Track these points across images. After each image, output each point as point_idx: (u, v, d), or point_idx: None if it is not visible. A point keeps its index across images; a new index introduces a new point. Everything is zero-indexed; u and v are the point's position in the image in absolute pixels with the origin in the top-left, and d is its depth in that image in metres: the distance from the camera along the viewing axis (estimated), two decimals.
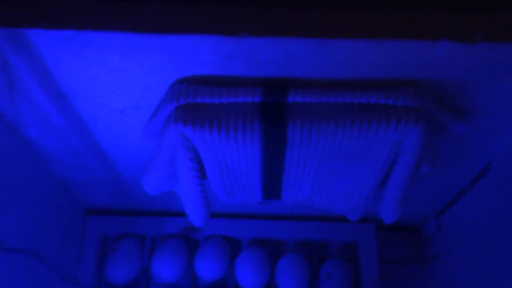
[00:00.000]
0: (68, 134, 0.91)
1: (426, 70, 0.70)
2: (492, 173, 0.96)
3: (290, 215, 1.32)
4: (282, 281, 1.27)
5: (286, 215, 1.32)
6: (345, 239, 1.31)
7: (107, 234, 1.33)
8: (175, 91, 0.74)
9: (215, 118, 0.73)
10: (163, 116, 0.78)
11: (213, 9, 0.66)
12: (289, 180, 0.88)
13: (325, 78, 0.72)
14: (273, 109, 0.74)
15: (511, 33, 0.63)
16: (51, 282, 1.10)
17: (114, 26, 0.64)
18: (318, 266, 1.30)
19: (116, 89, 0.77)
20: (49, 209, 1.09)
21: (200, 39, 0.65)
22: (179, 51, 0.67)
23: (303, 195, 0.94)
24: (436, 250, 1.26)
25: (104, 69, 0.71)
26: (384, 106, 0.73)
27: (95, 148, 0.97)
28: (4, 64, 0.72)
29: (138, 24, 0.64)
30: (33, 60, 0.70)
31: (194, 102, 0.73)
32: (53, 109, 0.83)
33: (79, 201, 1.27)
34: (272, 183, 0.90)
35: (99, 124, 0.88)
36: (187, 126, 0.73)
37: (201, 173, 0.84)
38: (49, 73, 0.73)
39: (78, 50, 0.67)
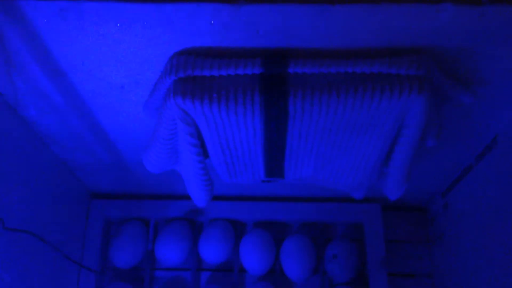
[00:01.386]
0: (68, 113, 0.91)
1: (430, 37, 0.68)
2: (498, 148, 0.94)
3: (294, 197, 1.31)
4: (287, 262, 1.27)
5: (290, 196, 1.31)
6: (350, 219, 1.30)
7: (111, 218, 1.33)
8: (173, 64, 0.72)
9: (214, 91, 0.72)
10: (163, 91, 0.76)
11: None
12: (292, 156, 0.87)
13: (326, 48, 0.71)
14: (273, 81, 0.72)
15: None
16: (55, 264, 1.09)
17: None
18: (323, 247, 1.30)
19: (115, 63, 0.76)
20: (52, 191, 1.09)
21: (197, 8, 0.63)
22: (176, 21, 0.66)
23: (306, 172, 0.93)
24: (443, 229, 1.24)
25: (101, 41, 0.70)
26: (387, 75, 0.71)
27: (95, 128, 0.97)
28: (0, 40, 0.71)
29: None
30: (28, 34, 0.69)
31: (193, 75, 0.72)
32: (51, 86, 0.82)
33: (83, 184, 1.26)
34: (274, 160, 0.88)
35: (99, 102, 0.87)
36: (186, 100, 0.71)
37: (202, 149, 0.83)
38: (45, 47, 0.72)
39: (73, 22, 0.66)
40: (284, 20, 0.66)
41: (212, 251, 1.28)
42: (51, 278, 1.08)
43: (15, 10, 0.65)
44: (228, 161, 0.88)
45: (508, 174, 0.92)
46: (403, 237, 1.33)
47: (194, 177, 0.88)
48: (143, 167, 0.92)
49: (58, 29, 0.68)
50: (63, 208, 1.16)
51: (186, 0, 0.63)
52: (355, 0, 0.63)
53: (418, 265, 1.31)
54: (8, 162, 0.89)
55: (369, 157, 0.84)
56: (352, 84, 0.71)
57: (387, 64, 0.70)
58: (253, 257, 1.27)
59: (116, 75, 0.79)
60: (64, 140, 1.02)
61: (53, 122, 0.94)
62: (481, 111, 0.87)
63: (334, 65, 0.71)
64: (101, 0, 0.63)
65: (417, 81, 0.70)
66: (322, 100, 0.72)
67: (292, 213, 1.31)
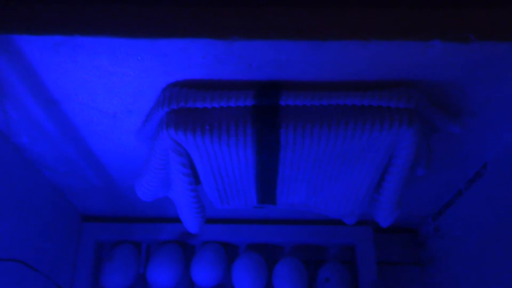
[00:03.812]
0: (61, 140, 0.91)
1: (419, 71, 0.69)
2: (488, 174, 0.95)
3: (286, 219, 1.31)
4: (280, 285, 1.26)
5: (282, 219, 1.31)
6: (342, 242, 1.31)
7: (102, 241, 1.32)
8: (166, 95, 0.73)
9: (207, 122, 0.72)
10: (155, 121, 0.77)
11: (203, 11, 0.65)
12: (284, 184, 0.88)
13: (318, 80, 0.72)
14: (265, 113, 0.73)
15: (504, 32, 0.63)
16: None
17: (103, 31, 0.63)
18: (315, 270, 1.30)
19: (108, 94, 0.76)
20: (43, 216, 1.08)
21: (190, 43, 0.64)
22: (170, 55, 0.66)
23: (298, 199, 0.94)
24: (434, 251, 1.25)
25: (95, 74, 0.71)
26: (377, 108, 0.72)
27: (88, 154, 0.97)
28: None
29: (127, 28, 0.64)
30: (22, 66, 0.69)
31: (186, 107, 0.72)
32: (44, 116, 0.82)
33: (74, 207, 1.26)
34: (266, 188, 0.89)
35: (91, 130, 0.87)
36: (179, 131, 0.72)
37: (194, 178, 0.83)
38: (39, 79, 0.72)
39: (68, 55, 0.66)
40: (277, 55, 0.66)
41: (205, 274, 1.27)
42: None
43: (10, 43, 0.65)
44: (220, 188, 0.89)
45: (498, 200, 0.94)
46: (395, 259, 1.34)
47: (186, 204, 0.88)
48: (134, 192, 0.92)
49: (52, 62, 0.68)
50: (53, 232, 1.15)
51: (180, 35, 0.64)
52: (346, 36, 0.64)
53: (410, 287, 1.32)
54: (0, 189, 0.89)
55: (360, 186, 0.84)
56: (343, 116, 0.72)
57: (378, 97, 0.71)
58: (245, 280, 1.26)
59: (109, 104, 0.79)
60: (56, 166, 1.01)
61: (45, 148, 0.94)
62: (470, 139, 0.89)
63: (325, 97, 0.72)
64: (94, 35, 0.64)
65: (407, 114, 0.71)
66: (314, 132, 0.73)
67: (284, 235, 1.31)
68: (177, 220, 1.07)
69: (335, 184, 0.86)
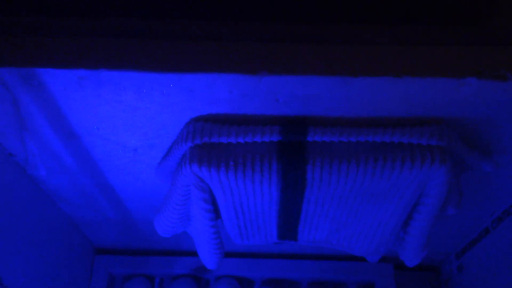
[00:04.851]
0: (78, 173, 0.89)
1: (452, 108, 0.67)
2: None
3: (304, 254, 1.28)
4: None
5: (300, 254, 1.28)
6: (361, 279, 1.27)
7: (115, 274, 1.29)
8: (190, 130, 0.71)
9: (231, 158, 0.70)
10: (177, 156, 0.75)
11: (231, 46, 0.64)
12: (306, 220, 0.85)
13: (346, 116, 0.70)
14: (291, 149, 0.71)
15: None
16: None
17: (129, 65, 0.62)
18: None
19: (130, 128, 0.74)
20: (57, 249, 1.06)
21: (217, 78, 0.63)
22: (196, 90, 0.65)
23: (320, 236, 0.91)
24: None
25: (118, 108, 0.69)
26: (408, 145, 0.70)
27: (105, 187, 0.95)
28: (15, 103, 0.70)
29: (153, 62, 0.63)
30: (44, 100, 0.68)
31: (210, 142, 0.70)
32: (64, 149, 0.80)
33: (87, 239, 1.23)
34: (288, 224, 0.86)
35: (110, 163, 0.86)
36: (202, 167, 0.70)
37: (215, 214, 0.80)
38: (60, 112, 0.71)
39: (92, 90, 0.65)
40: (305, 90, 0.65)
41: None
42: None
43: (33, 77, 0.64)
44: (241, 224, 0.86)
45: None
46: None
47: (205, 240, 0.85)
48: (150, 225, 0.90)
49: (76, 96, 0.67)
50: (66, 264, 1.12)
51: (207, 70, 0.62)
52: (377, 72, 0.62)
53: None
54: (15, 223, 0.87)
55: (387, 224, 0.81)
56: (372, 153, 0.70)
57: (408, 134, 0.69)
58: None
59: (130, 138, 0.77)
60: (72, 198, 1.00)
61: (62, 181, 0.92)
62: (500, 176, 0.86)
63: (354, 134, 0.70)
64: (120, 69, 0.62)
65: (439, 151, 0.69)
66: (341, 169, 0.70)
67: (301, 271, 1.28)
68: (191, 253, 1.04)
69: (360, 222, 0.83)
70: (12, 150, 0.81)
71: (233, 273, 1.28)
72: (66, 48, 0.64)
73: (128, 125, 0.73)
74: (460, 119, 0.69)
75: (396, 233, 0.84)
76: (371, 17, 0.73)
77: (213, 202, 0.78)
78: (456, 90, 0.63)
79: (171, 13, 0.74)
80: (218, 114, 0.71)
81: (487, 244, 1.05)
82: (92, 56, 0.63)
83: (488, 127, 0.71)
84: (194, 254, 0.96)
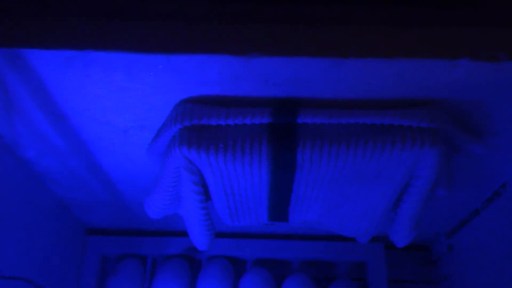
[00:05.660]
0: (68, 155, 0.88)
1: (443, 90, 0.67)
2: (507, 194, 0.92)
3: (296, 235, 1.28)
4: None
5: (291, 234, 1.28)
6: (352, 259, 1.28)
7: (107, 255, 1.29)
8: (179, 111, 0.70)
9: (221, 140, 0.70)
10: (167, 138, 0.74)
11: (221, 27, 0.63)
12: (297, 202, 0.85)
13: (337, 98, 0.69)
14: (282, 131, 0.70)
15: None
16: None
17: (117, 46, 0.61)
18: (324, 286, 1.26)
19: (119, 109, 0.74)
20: (48, 230, 1.05)
21: (207, 59, 0.62)
22: (186, 71, 0.64)
23: (311, 217, 0.91)
24: (447, 270, 1.22)
25: (107, 89, 0.68)
26: (399, 127, 0.70)
27: (96, 169, 0.94)
28: (2, 84, 0.69)
29: (142, 43, 0.61)
30: (31, 81, 0.67)
31: (200, 124, 0.70)
32: (53, 130, 0.79)
33: (79, 220, 1.23)
34: (278, 206, 0.86)
35: (100, 144, 0.85)
36: (192, 149, 0.69)
37: (205, 196, 0.80)
38: (48, 93, 0.70)
39: (79, 70, 0.64)
40: (295, 72, 0.64)
41: None
42: None
43: (20, 58, 0.63)
44: (231, 206, 0.86)
45: None
46: (407, 277, 1.30)
47: (196, 222, 0.85)
48: (142, 206, 0.90)
49: (63, 76, 0.66)
50: (57, 245, 1.12)
51: (196, 51, 0.61)
52: (368, 54, 0.61)
53: None
54: (5, 205, 0.86)
55: (377, 206, 0.82)
56: (362, 135, 0.69)
57: (399, 116, 0.69)
58: None
59: (120, 119, 0.77)
60: (63, 179, 0.99)
61: (52, 162, 0.91)
62: (490, 158, 0.86)
63: (344, 115, 0.69)
64: (107, 50, 0.61)
65: (430, 134, 0.69)
66: (331, 151, 0.70)
67: (293, 251, 1.28)
68: (183, 234, 1.04)
69: (350, 203, 0.84)
70: (0, 132, 0.80)
71: (225, 253, 1.29)
72: (53, 29, 0.62)
73: (117, 106, 0.73)
74: (452, 101, 0.69)
75: (386, 214, 0.84)
76: None
77: (203, 184, 0.78)
78: (448, 71, 0.62)
79: None
80: (208, 96, 0.70)
81: (476, 224, 1.06)
82: (79, 37, 0.62)
83: (479, 109, 0.71)
84: (186, 234, 0.96)
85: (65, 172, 0.95)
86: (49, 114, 0.75)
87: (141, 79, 0.66)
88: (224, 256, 1.29)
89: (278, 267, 1.30)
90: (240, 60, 0.62)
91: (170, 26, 0.62)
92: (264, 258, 1.29)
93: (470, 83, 0.65)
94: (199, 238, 0.90)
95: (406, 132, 0.69)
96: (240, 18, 0.64)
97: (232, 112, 0.69)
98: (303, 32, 0.62)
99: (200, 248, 0.94)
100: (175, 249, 1.28)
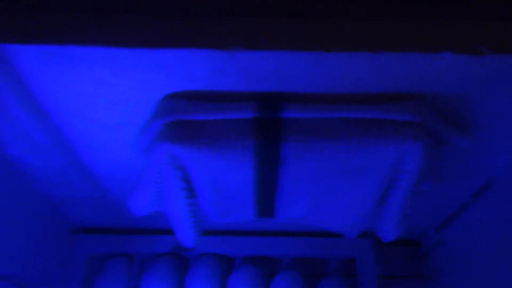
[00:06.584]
0: (52, 152, 0.87)
1: (427, 84, 0.67)
2: (494, 188, 0.93)
3: (285, 231, 1.28)
4: None
5: (280, 231, 1.28)
6: (342, 254, 1.28)
7: (94, 254, 1.28)
8: (163, 107, 0.70)
9: (205, 135, 0.69)
10: (151, 133, 0.74)
11: (204, 21, 0.62)
12: (283, 198, 0.85)
13: (321, 93, 0.69)
14: (266, 125, 0.70)
15: None
16: None
17: (98, 41, 0.60)
18: (314, 283, 1.26)
19: (103, 105, 0.73)
20: (33, 229, 1.04)
21: (190, 54, 0.61)
22: (169, 66, 0.63)
23: (297, 213, 0.91)
24: (436, 265, 1.22)
25: (89, 84, 0.67)
26: (383, 121, 0.70)
27: (80, 166, 0.93)
28: None
29: (124, 38, 0.61)
30: (11, 77, 0.66)
31: (184, 119, 0.69)
32: (35, 127, 0.78)
33: (64, 219, 1.22)
34: (265, 202, 0.86)
35: (84, 141, 0.84)
36: (175, 145, 0.69)
37: (190, 192, 0.80)
38: (29, 89, 0.69)
39: (61, 66, 0.63)
40: (279, 66, 0.64)
41: (200, 287, 1.23)
42: None
43: None
44: (217, 202, 0.86)
45: (503, 214, 0.91)
46: (396, 272, 1.31)
47: (182, 218, 0.85)
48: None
49: (44, 72, 0.65)
50: (43, 244, 1.11)
51: (179, 45, 0.61)
52: (351, 48, 0.61)
53: None
54: None
55: (363, 201, 0.82)
56: (347, 130, 0.69)
57: (384, 110, 0.69)
58: None
59: (103, 115, 0.76)
60: (48, 177, 0.98)
61: (36, 160, 0.90)
62: (476, 152, 0.86)
63: (329, 110, 0.69)
64: (88, 45, 0.60)
65: (414, 127, 0.69)
66: (316, 146, 0.70)
67: (282, 248, 1.28)
68: (171, 231, 1.03)
69: (336, 199, 0.84)
70: None
71: (214, 250, 1.28)
72: (32, 24, 0.61)
73: (100, 102, 0.72)
74: (436, 94, 0.69)
75: (372, 209, 0.84)
76: None
77: (188, 180, 0.78)
78: (431, 64, 0.62)
79: None
80: (192, 90, 0.69)
81: (464, 218, 1.07)
82: (60, 32, 0.61)
83: (463, 102, 0.71)
84: (173, 232, 0.96)
85: (50, 170, 0.94)
86: (30, 110, 0.74)
87: (125, 74, 0.65)
88: (212, 254, 1.29)
89: (268, 264, 1.30)
90: (223, 55, 0.61)
91: (153, 20, 0.62)
92: (253, 256, 1.29)
93: (454, 76, 0.65)
94: (186, 235, 0.90)
95: (390, 126, 0.69)
96: (223, 11, 0.63)
97: (216, 107, 0.69)
98: (286, 26, 0.62)
99: (186, 245, 0.94)
100: (163, 247, 1.27)
